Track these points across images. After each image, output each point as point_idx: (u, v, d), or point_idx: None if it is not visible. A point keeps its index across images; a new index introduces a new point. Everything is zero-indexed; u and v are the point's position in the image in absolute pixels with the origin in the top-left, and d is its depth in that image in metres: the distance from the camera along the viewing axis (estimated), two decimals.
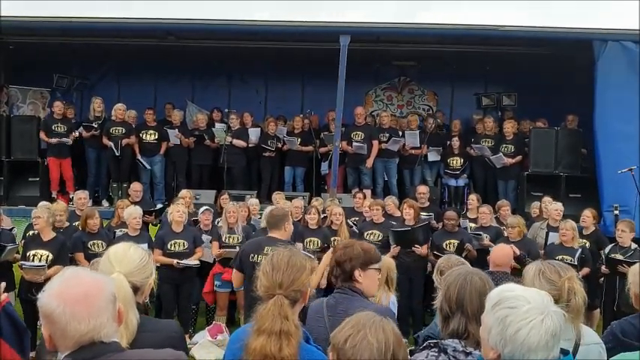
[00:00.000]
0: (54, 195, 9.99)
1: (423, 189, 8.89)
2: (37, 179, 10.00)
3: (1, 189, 9.85)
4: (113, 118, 10.26)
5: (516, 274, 4.49)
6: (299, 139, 10.59)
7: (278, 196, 8.68)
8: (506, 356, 1.69)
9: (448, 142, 10.80)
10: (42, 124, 10.20)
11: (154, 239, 7.25)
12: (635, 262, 3.37)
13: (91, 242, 6.84)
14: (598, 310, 7.30)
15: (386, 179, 10.60)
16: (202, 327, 7.46)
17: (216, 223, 7.67)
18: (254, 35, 10.60)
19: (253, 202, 8.56)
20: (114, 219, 7.93)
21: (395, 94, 13.02)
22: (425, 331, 2.77)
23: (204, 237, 7.39)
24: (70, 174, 10.24)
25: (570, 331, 2.46)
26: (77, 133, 10.25)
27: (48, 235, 6.59)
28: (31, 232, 6.96)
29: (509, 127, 10.37)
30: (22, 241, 6.98)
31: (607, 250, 7.05)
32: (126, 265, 2.23)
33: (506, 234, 7.34)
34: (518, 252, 6.50)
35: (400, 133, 10.75)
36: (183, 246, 7.07)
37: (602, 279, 7.08)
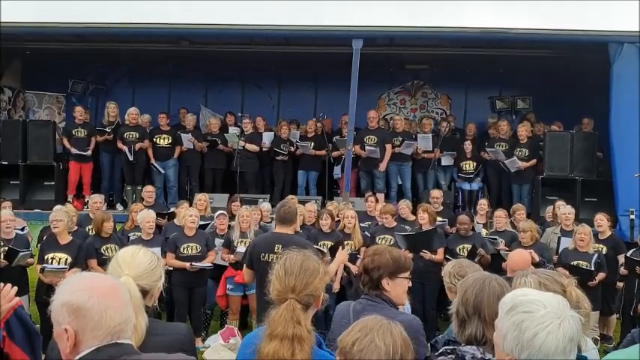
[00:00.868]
0: (70, 199, 10.09)
1: (436, 193, 8.84)
2: (53, 183, 10.10)
3: (17, 193, 9.95)
4: (127, 122, 10.35)
5: None
6: (312, 144, 10.59)
7: (292, 201, 8.67)
8: None
9: (461, 146, 10.74)
10: (63, 130, 10.34)
11: (167, 242, 7.28)
12: None
13: (104, 247, 6.88)
14: (615, 315, 7.21)
15: (399, 183, 10.56)
16: (215, 330, 7.47)
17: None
18: (267, 39, 10.65)
19: (266, 206, 8.57)
20: (128, 222, 7.99)
21: (408, 97, 12.98)
22: (445, 335, 2.70)
23: (217, 241, 7.40)
24: (89, 179, 10.36)
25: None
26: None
27: (65, 238, 6.65)
28: (46, 236, 7.02)
29: (524, 130, 10.29)
30: (38, 245, 7.04)
31: (629, 253, 6.93)
32: (135, 269, 2.23)
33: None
34: (537, 258, 6.28)
35: (413, 136, 10.71)
36: (196, 249, 7.09)
37: (622, 284, 6.98)
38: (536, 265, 6.04)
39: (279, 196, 10.28)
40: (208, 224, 7.83)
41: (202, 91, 12.71)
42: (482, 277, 2.26)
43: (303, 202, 8.65)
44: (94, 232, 7.20)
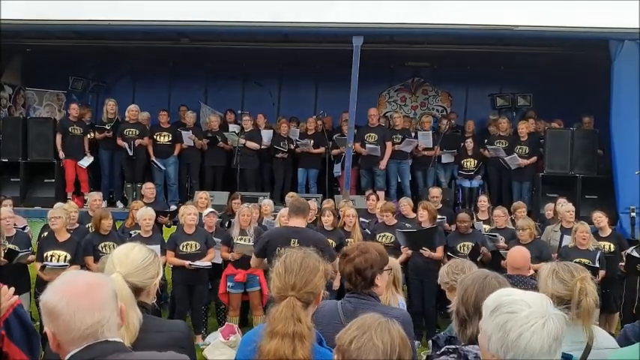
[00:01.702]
0: (69, 196, 10.08)
1: (435, 191, 8.85)
2: (53, 181, 10.09)
3: (17, 190, 9.94)
4: (127, 119, 10.33)
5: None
6: (312, 141, 10.58)
7: (292, 198, 8.67)
8: None
9: (462, 144, 10.73)
10: (58, 126, 10.31)
11: (167, 240, 7.28)
12: None
13: (103, 244, 6.88)
14: (617, 313, 7.21)
15: (399, 181, 10.55)
16: (214, 328, 7.48)
17: (226, 225, 7.70)
18: (267, 37, 10.63)
19: (267, 202, 8.57)
20: (128, 220, 7.98)
21: (409, 95, 12.96)
22: (446, 332, 2.69)
23: (215, 238, 7.41)
24: (86, 176, 10.33)
25: (581, 333, 2.42)
26: (91, 135, 10.38)
27: (63, 235, 6.66)
28: (45, 233, 7.02)
29: (524, 128, 10.28)
30: (37, 242, 7.04)
31: (629, 250, 6.93)
32: (127, 266, 2.22)
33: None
34: None
35: (413, 134, 10.70)
36: (196, 247, 7.10)
37: (624, 280, 6.98)
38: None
39: (280, 193, 10.29)
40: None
41: (202, 88, 12.69)
42: (482, 276, 2.26)
43: None
44: (93, 230, 7.20)
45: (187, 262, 6.95)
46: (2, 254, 6.34)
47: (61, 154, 10.14)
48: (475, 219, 8.22)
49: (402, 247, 7.38)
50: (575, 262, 6.44)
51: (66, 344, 1.62)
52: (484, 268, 2.80)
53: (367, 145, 10.05)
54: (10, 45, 10.11)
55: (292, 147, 10.65)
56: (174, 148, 10.50)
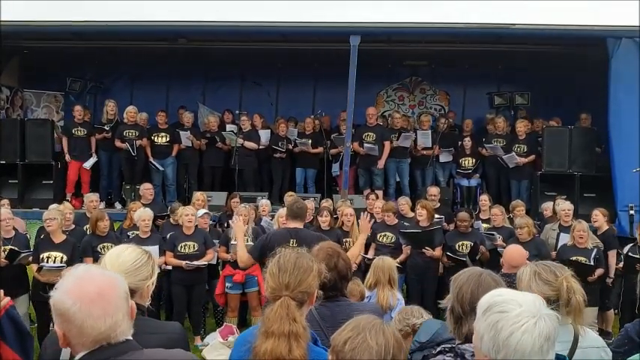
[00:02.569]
0: (68, 197, 10.08)
1: (433, 190, 8.86)
2: (51, 182, 10.08)
3: (15, 192, 9.93)
4: (125, 120, 10.32)
5: None
6: (310, 141, 10.58)
7: (290, 198, 8.66)
8: None
9: (460, 143, 10.72)
10: (62, 129, 10.31)
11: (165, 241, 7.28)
12: None
13: (101, 245, 6.85)
14: (612, 310, 7.21)
15: (398, 180, 10.55)
16: (213, 329, 7.48)
17: (225, 225, 7.69)
18: (264, 36, 10.62)
19: (264, 202, 8.56)
20: (126, 221, 7.96)
21: (406, 94, 12.95)
22: (434, 337, 2.69)
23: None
24: (89, 177, 10.35)
25: (567, 333, 2.41)
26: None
27: (59, 237, 6.64)
28: (42, 235, 7.01)
29: (522, 126, 10.27)
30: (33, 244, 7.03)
31: (626, 249, 6.94)
32: (117, 267, 2.21)
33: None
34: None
35: (412, 134, 10.69)
36: (194, 248, 7.10)
37: (621, 279, 6.99)
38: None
39: (278, 193, 10.28)
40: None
41: (200, 88, 12.69)
42: (477, 273, 2.25)
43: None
44: (90, 231, 7.19)
45: (184, 262, 6.96)
46: (3, 255, 6.33)
47: (67, 157, 10.16)
48: (476, 218, 8.21)
49: (404, 245, 7.41)
50: (572, 259, 6.51)
51: (77, 346, 1.62)
52: (483, 267, 2.79)
53: (365, 145, 10.05)
54: (7, 46, 10.10)
55: (290, 147, 10.65)
56: (173, 149, 10.49)
